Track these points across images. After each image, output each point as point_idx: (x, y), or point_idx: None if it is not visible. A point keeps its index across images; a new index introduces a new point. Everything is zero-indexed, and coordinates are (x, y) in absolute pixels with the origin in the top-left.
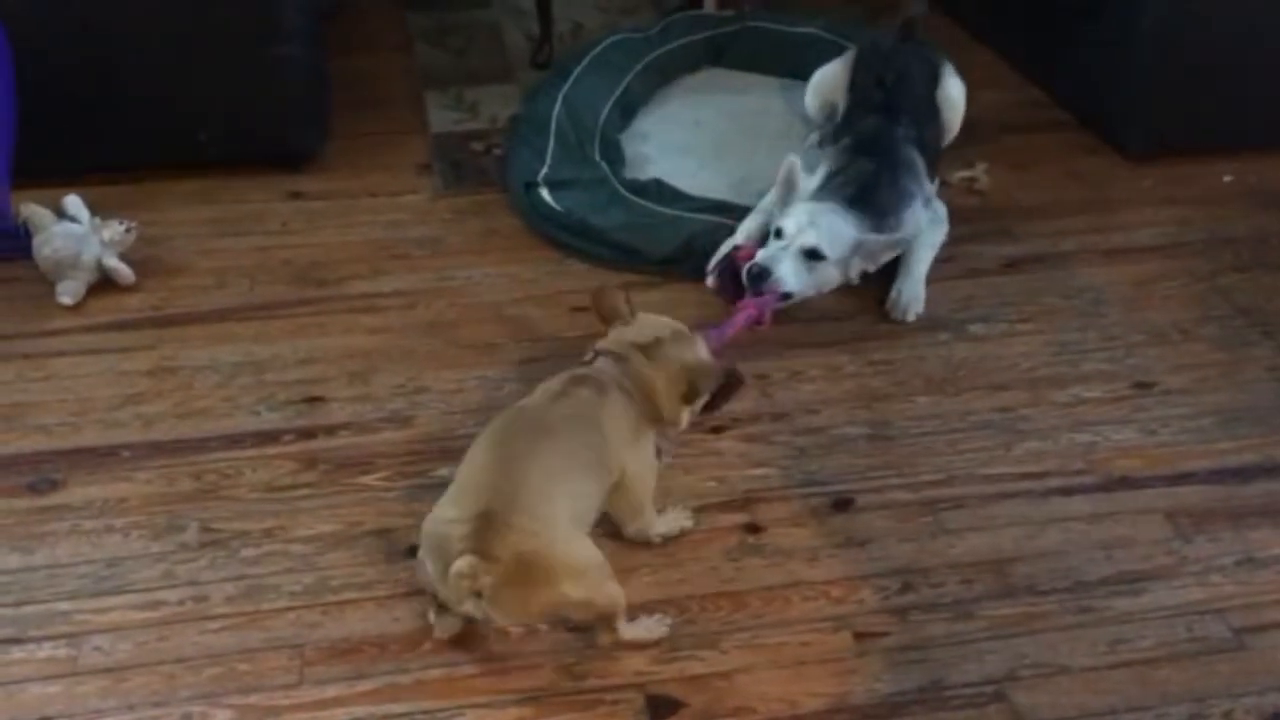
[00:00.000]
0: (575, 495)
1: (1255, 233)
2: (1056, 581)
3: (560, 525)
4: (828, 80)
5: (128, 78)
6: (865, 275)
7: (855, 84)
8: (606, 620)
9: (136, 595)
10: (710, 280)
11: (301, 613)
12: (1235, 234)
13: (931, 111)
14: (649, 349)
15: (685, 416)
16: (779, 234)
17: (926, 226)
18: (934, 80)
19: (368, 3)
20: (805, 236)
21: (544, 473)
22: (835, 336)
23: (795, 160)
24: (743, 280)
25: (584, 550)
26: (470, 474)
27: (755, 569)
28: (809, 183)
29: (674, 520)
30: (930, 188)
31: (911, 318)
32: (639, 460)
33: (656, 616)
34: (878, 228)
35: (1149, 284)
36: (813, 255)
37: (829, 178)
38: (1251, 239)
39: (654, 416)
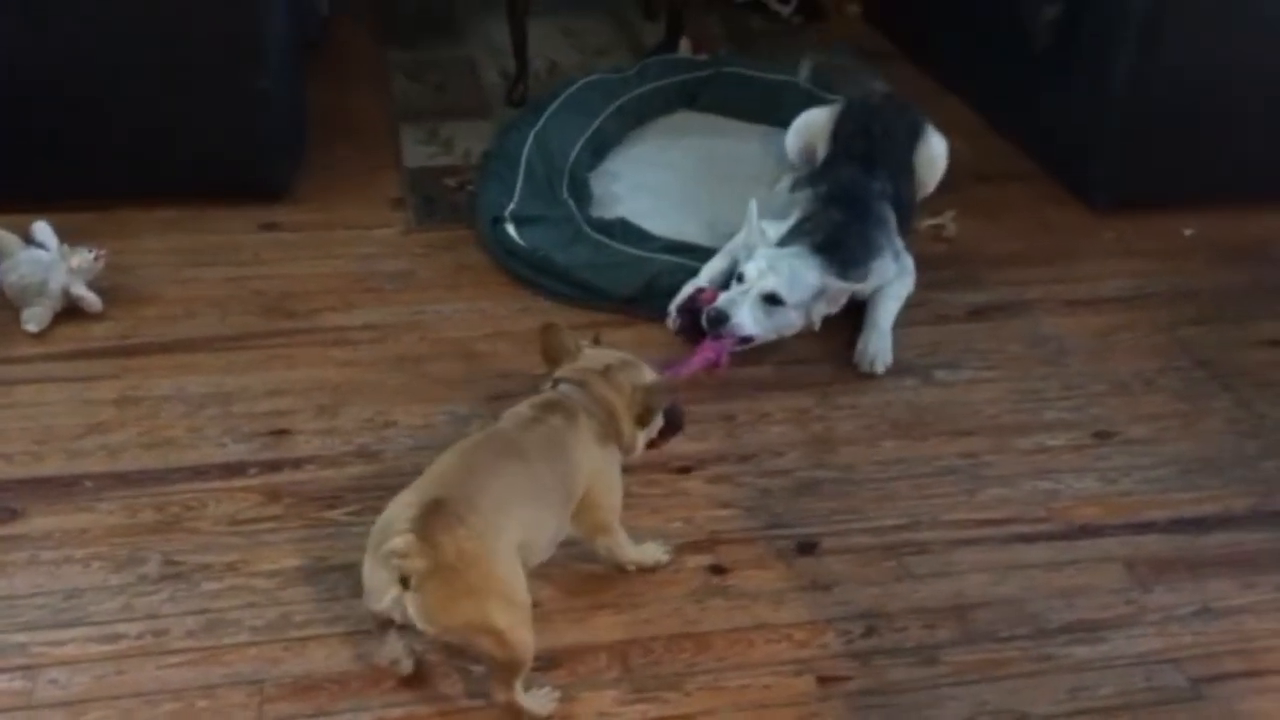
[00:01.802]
0: (529, 523)
1: (1216, 286)
2: (1017, 628)
3: (506, 545)
4: (812, 125)
5: (104, 107)
6: (827, 320)
7: (838, 134)
8: (511, 669)
9: (95, 628)
10: (671, 321)
11: (263, 648)
12: (1196, 287)
13: (909, 169)
14: (604, 374)
15: (640, 440)
16: (740, 279)
17: (894, 279)
18: (915, 138)
19: (347, 37)
20: (765, 281)
21: (506, 489)
22: (802, 380)
23: (753, 203)
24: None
25: (519, 583)
26: (431, 473)
27: (719, 610)
28: (778, 228)
29: (651, 552)
30: (900, 242)
31: (880, 370)
32: (605, 481)
33: (547, 689)
34: (843, 275)
35: (1111, 334)
36: (772, 300)
37: (799, 224)
38: (1212, 292)
39: (616, 439)
